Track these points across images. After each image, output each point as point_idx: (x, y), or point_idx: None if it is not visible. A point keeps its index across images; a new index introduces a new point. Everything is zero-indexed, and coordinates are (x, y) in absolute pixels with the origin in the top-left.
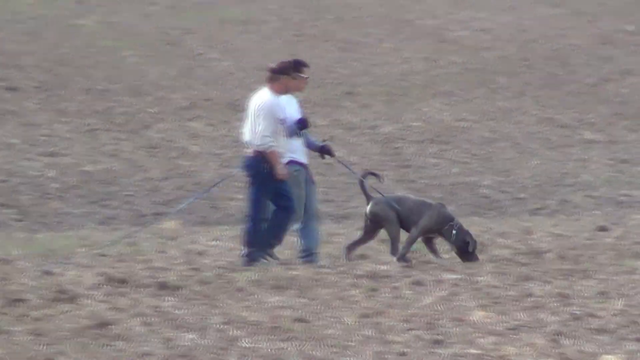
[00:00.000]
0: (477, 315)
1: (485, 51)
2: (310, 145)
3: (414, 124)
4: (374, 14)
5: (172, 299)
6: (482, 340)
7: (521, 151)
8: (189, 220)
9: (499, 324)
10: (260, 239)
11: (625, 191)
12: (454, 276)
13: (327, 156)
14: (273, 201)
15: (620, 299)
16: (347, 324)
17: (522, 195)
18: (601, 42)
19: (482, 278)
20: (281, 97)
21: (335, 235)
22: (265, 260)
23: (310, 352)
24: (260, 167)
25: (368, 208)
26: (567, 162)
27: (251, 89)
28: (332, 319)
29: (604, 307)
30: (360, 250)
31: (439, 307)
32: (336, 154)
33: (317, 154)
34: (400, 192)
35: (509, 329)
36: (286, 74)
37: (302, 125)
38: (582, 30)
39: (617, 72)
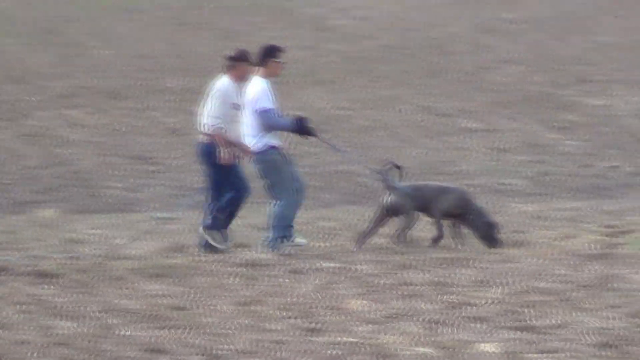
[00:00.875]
0: (354, 303)
1: (366, 40)
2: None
3: (294, 112)
4: (254, 3)
5: (51, 287)
6: (358, 328)
7: (401, 140)
8: (67, 208)
9: (375, 312)
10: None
11: (504, 180)
12: (333, 264)
13: (308, 137)
14: (225, 182)
15: (498, 288)
16: (225, 312)
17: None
18: (481, 30)
19: (360, 267)
20: (266, 82)
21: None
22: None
23: (188, 340)
24: (214, 151)
25: (388, 198)
26: (446, 151)
27: (132, 78)
28: (210, 307)
29: (482, 296)
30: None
31: (316, 296)
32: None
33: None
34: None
35: (386, 317)
36: (242, 61)
37: (301, 127)
38: (462, 19)
39: (497, 61)
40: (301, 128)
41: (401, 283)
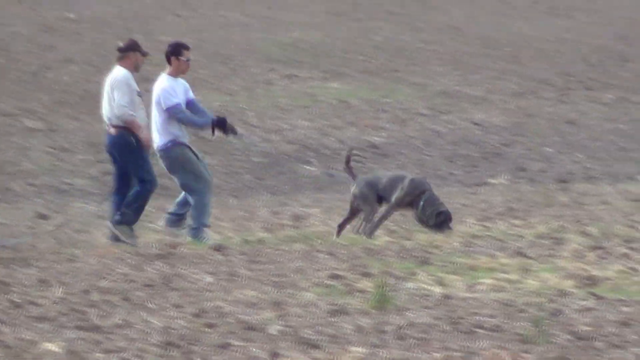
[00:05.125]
0: None
1: None
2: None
3: None
4: None
5: None
6: None
7: None
8: None
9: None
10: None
11: (66, 179)
12: None
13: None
14: (134, 173)
15: (61, 287)
16: None
17: None
18: (43, 29)
19: None
20: (172, 79)
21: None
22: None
23: None
24: (128, 141)
25: (352, 189)
26: (7, 150)
27: None
28: None
29: (44, 295)
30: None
31: None
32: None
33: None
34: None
35: None
36: (132, 50)
37: (220, 123)
38: (24, 18)
39: (59, 60)
40: (219, 126)
41: None
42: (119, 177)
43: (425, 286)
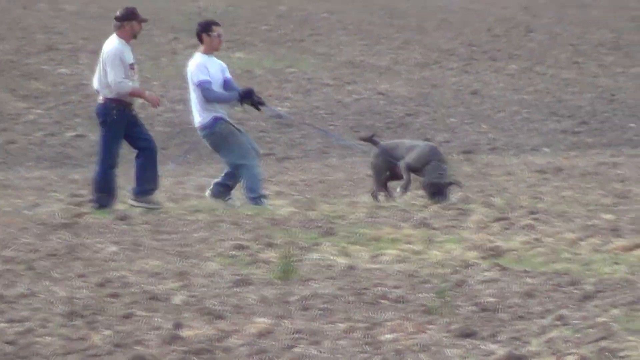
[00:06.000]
0: None
1: None
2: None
3: None
4: None
5: None
6: None
7: None
8: None
9: None
10: (109, 185)
11: None
12: None
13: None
14: (132, 145)
15: None
16: None
17: None
18: None
19: None
20: (205, 57)
21: None
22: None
23: None
24: (109, 113)
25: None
26: None
27: None
28: None
29: None
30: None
31: None
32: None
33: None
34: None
35: None
36: (129, 20)
37: (246, 95)
38: None
39: None
40: (246, 99)
41: None
42: (101, 148)
43: (330, 257)
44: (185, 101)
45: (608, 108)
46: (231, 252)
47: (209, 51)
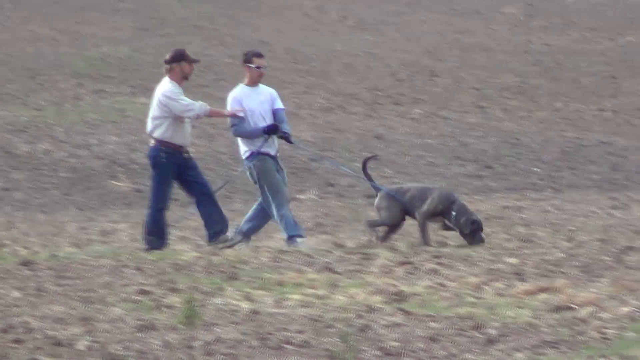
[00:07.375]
0: None
1: None
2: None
3: None
4: None
5: None
6: None
7: None
8: None
9: None
10: (159, 228)
11: None
12: None
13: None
14: (186, 190)
15: None
16: None
17: None
18: None
19: None
20: (244, 88)
21: None
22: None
23: None
24: (158, 155)
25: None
26: None
27: None
28: None
29: None
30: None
31: None
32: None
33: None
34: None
35: None
36: (178, 61)
37: (270, 131)
38: None
39: None
40: (272, 133)
41: None
42: (152, 191)
43: (233, 301)
44: (89, 146)
45: (512, 152)
46: (135, 297)
47: (250, 83)
